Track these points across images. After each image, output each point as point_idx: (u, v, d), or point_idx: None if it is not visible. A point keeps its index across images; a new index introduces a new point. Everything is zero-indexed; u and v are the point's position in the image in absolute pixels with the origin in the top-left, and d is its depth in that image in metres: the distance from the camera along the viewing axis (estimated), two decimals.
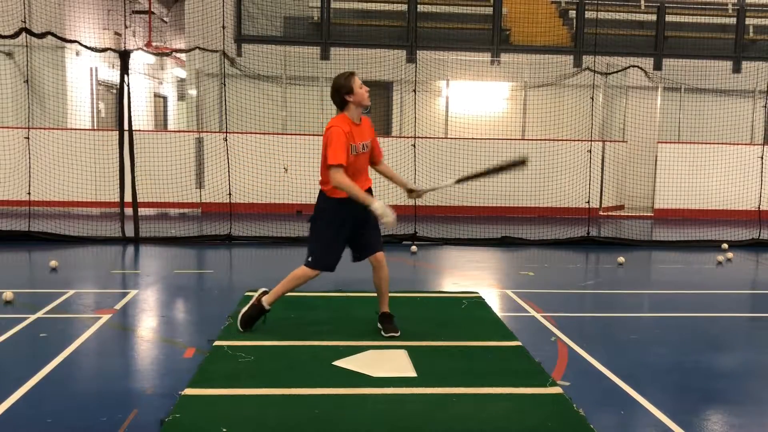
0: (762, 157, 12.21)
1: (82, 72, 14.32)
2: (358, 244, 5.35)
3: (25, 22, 10.94)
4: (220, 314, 5.94)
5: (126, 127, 10.05)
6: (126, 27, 12.98)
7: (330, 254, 5.23)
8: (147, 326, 5.79)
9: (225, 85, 11.60)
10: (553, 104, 13.89)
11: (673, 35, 15.32)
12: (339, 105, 5.19)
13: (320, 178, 5.27)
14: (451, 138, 13.84)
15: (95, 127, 14.26)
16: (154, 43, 17.26)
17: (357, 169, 5.18)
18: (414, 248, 9.65)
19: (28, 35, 10.46)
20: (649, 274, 9.07)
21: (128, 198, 10.14)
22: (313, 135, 12.77)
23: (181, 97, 20.54)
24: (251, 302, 5.48)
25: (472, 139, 13.66)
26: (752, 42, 15.77)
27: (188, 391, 4.19)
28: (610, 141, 14.17)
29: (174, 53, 17.39)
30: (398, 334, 5.38)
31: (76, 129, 13.07)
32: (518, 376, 4.57)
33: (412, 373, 4.59)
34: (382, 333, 5.40)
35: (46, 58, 13.22)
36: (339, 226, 5.20)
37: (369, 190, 5.27)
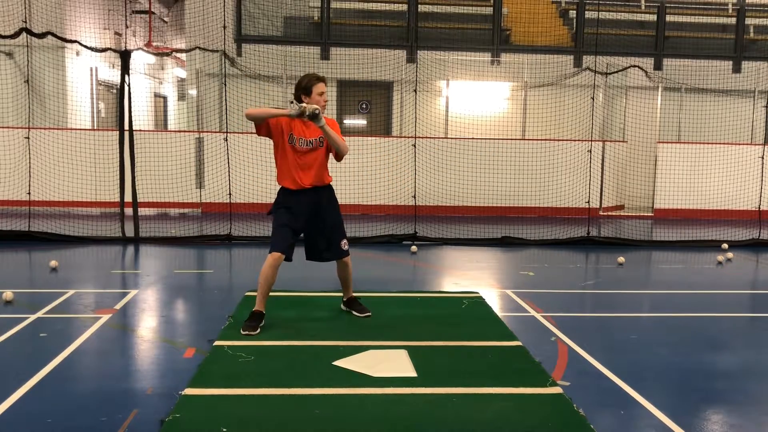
0: (762, 157, 12.21)
1: (82, 72, 14.32)
2: (307, 244, 5.74)
3: (25, 22, 10.95)
4: (220, 314, 5.94)
5: (126, 127, 10.05)
6: (126, 27, 13.00)
7: (279, 238, 5.45)
8: (147, 326, 5.79)
9: (225, 85, 11.61)
10: (554, 104, 13.89)
11: (673, 35, 15.32)
12: (296, 99, 5.52)
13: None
14: (452, 138, 13.84)
15: (95, 127, 14.25)
16: (154, 43, 17.26)
17: (305, 164, 5.46)
18: (414, 248, 9.65)
19: (28, 35, 10.47)
20: (649, 274, 9.07)
21: (128, 198, 10.14)
22: None
23: (182, 97, 20.54)
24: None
25: (473, 139, 13.67)
26: (752, 42, 15.77)
27: (188, 391, 4.19)
28: (610, 141, 14.17)
29: (174, 53, 17.40)
30: (370, 313, 5.88)
31: (76, 129, 13.07)
32: (518, 376, 4.57)
33: (412, 373, 4.58)
34: (357, 314, 5.87)
35: (46, 58, 13.22)
36: (287, 212, 5.50)
37: (324, 187, 5.58)
